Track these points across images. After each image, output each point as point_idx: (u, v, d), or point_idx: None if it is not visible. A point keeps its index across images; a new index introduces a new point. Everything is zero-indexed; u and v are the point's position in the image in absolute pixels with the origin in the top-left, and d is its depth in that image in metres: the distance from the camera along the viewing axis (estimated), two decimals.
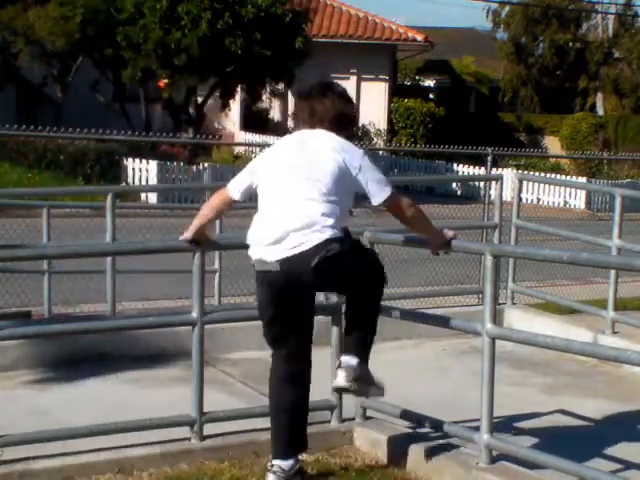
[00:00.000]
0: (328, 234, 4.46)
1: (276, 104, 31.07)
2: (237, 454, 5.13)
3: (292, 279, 4.50)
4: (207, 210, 4.94)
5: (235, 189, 4.82)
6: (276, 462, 4.76)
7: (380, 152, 28.19)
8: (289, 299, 4.63)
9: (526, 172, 25.57)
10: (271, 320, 4.74)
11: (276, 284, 4.56)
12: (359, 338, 4.79)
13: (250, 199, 4.93)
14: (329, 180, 4.52)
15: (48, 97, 24.75)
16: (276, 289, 4.59)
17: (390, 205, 4.69)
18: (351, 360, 4.71)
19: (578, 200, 27.06)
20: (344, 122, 4.76)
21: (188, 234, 4.94)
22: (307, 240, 4.44)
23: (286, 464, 4.74)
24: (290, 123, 5.22)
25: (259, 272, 4.63)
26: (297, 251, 4.44)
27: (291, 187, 4.55)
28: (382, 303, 5.59)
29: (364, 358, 4.78)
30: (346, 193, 4.61)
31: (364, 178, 4.60)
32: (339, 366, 4.74)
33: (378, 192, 4.63)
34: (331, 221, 4.49)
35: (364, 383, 4.78)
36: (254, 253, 4.62)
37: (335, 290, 5.07)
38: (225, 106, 24.35)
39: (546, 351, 6.65)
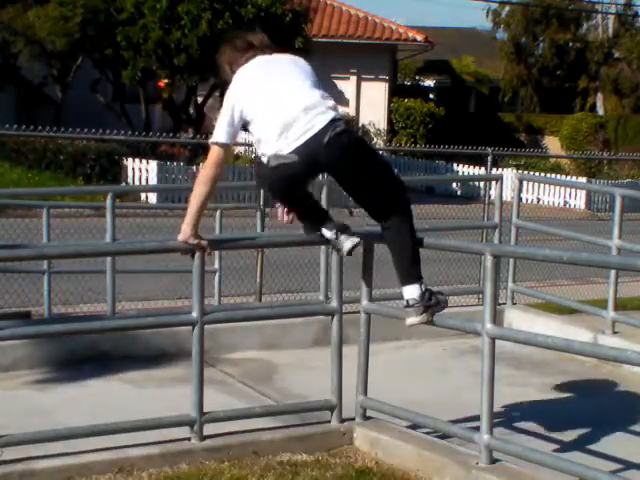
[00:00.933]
0: (332, 115, 4.65)
1: None
2: (237, 454, 5.13)
3: (309, 162, 4.62)
4: (203, 186, 4.79)
5: (224, 137, 4.95)
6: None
7: (380, 152, 28.16)
8: (309, 177, 4.83)
9: (526, 172, 25.57)
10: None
11: (295, 174, 4.68)
12: (408, 260, 4.94)
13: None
14: (316, 80, 4.82)
15: (48, 97, 24.73)
16: (295, 176, 4.70)
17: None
18: (413, 292, 4.90)
19: (578, 200, 27.07)
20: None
21: (188, 231, 4.81)
22: (314, 124, 4.60)
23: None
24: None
25: (276, 167, 4.69)
26: (307, 136, 4.59)
27: (285, 84, 4.75)
28: (382, 303, 5.61)
29: (419, 277, 4.93)
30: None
31: None
32: (407, 305, 4.93)
33: None
34: (331, 103, 4.72)
35: (434, 304, 4.97)
36: (268, 150, 4.73)
37: (351, 179, 4.87)
38: None
39: (546, 351, 6.64)
